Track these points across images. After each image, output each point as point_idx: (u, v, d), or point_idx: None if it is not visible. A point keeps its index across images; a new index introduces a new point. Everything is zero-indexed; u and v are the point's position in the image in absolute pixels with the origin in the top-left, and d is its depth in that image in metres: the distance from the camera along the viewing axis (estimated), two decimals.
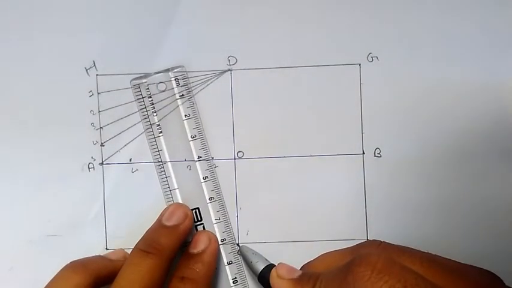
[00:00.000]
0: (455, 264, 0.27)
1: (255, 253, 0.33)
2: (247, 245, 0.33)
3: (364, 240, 0.33)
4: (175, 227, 0.31)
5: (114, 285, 0.30)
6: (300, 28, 0.33)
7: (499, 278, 0.26)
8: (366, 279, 0.24)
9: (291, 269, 0.30)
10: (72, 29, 0.33)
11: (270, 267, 0.32)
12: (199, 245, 0.32)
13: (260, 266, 0.32)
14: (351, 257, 0.26)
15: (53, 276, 0.30)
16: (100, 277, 0.30)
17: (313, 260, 0.32)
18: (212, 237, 0.33)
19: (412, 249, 0.28)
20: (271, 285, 0.30)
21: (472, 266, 0.27)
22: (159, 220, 0.32)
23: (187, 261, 0.32)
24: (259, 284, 0.32)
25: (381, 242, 0.30)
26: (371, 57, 0.33)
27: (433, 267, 0.26)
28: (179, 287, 0.31)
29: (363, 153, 0.33)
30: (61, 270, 0.30)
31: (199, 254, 0.32)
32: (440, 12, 0.33)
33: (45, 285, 0.30)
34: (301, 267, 0.32)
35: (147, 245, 0.31)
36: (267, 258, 0.32)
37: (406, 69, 0.33)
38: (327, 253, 0.32)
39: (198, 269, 0.31)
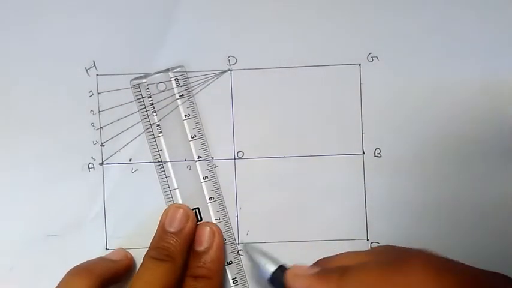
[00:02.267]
0: (463, 266, 0.27)
1: (263, 253, 0.31)
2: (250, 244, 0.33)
3: (377, 244, 0.33)
4: (180, 231, 0.31)
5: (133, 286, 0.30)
6: (300, 28, 0.33)
7: (509, 278, 0.26)
8: (423, 275, 0.24)
9: (308, 267, 0.29)
10: (72, 29, 0.33)
11: (282, 268, 0.30)
12: (204, 242, 0.32)
13: (270, 268, 0.30)
14: (368, 258, 0.26)
15: (58, 283, 0.30)
16: (105, 279, 0.30)
17: (330, 256, 0.30)
18: (216, 230, 0.32)
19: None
20: (290, 285, 0.28)
21: (481, 269, 0.26)
22: (162, 226, 0.32)
23: (197, 260, 0.31)
24: (259, 284, 0.32)
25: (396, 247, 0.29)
26: (371, 57, 0.33)
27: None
28: (195, 286, 0.31)
29: (363, 153, 0.33)
30: (65, 276, 0.30)
31: (207, 251, 0.32)
32: (440, 12, 0.33)
33: None
34: (316, 262, 0.30)
35: (159, 253, 0.31)
36: (274, 258, 0.31)
37: (406, 69, 0.33)
38: (342, 253, 0.31)
39: (209, 266, 0.31)
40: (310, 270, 0.28)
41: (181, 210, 0.32)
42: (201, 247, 0.32)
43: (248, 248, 0.33)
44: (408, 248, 0.28)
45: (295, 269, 0.29)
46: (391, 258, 0.26)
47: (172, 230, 0.31)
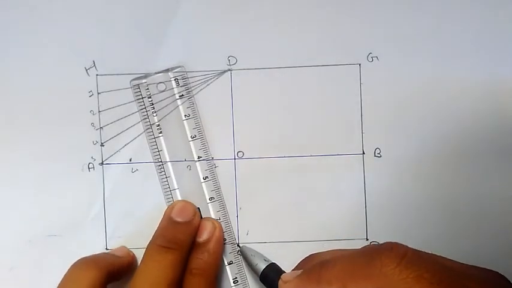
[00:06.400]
0: (460, 266, 0.27)
1: (254, 254, 0.33)
2: (248, 245, 0.33)
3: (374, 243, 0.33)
4: (188, 222, 0.31)
5: (137, 282, 0.30)
6: (300, 28, 0.33)
7: (505, 277, 0.26)
8: (394, 266, 0.24)
9: (294, 272, 0.30)
10: (72, 29, 0.33)
11: (270, 267, 0.32)
12: (204, 233, 0.32)
13: (260, 267, 0.32)
14: (362, 256, 0.26)
15: (64, 275, 0.30)
16: (110, 273, 0.31)
17: (321, 252, 0.32)
18: (217, 224, 0.33)
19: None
20: None
21: (476, 267, 0.27)
22: (169, 217, 0.32)
23: (195, 251, 0.32)
24: (260, 284, 0.32)
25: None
26: (371, 57, 0.33)
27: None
28: (190, 280, 0.31)
29: (363, 153, 0.33)
30: (71, 268, 0.30)
31: (205, 243, 0.32)
32: (440, 12, 0.33)
33: (58, 285, 0.30)
34: (308, 256, 0.31)
35: (166, 241, 0.31)
36: (266, 258, 0.32)
37: (406, 69, 0.33)
38: (336, 249, 0.32)
39: (205, 258, 0.31)
40: (296, 273, 0.29)
41: (189, 205, 0.32)
42: (200, 238, 0.32)
43: (243, 249, 0.33)
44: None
45: (285, 277, 0.30)
46: (367, 250, 0.27)
47: (180, 220, 0.31)
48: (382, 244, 0.26)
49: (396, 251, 0.25)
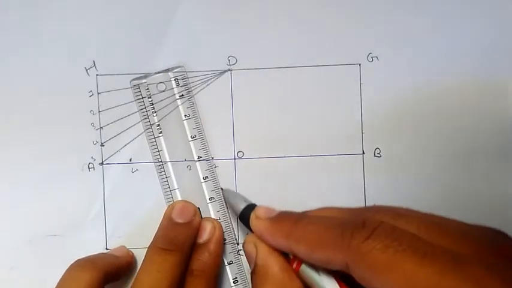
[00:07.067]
0: (457, 223, 0.26)
1: (235, 195, 0.32)
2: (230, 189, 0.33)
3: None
4: (189, 223, 0.32)
5: (138, 284, 0.30)
6: (300, 28, 0.33)
7: (503, 232, 0.25)
8: (363, 240, 0.23)
9: (269, 210, 0.29)
10: (72, 29, 0.33)
11: (250, 207, 0.31)
12: (204, 234, 0.32)
13: (240, 207, 0.31)
14: (340, 215, 0.26)
15: (61, 276, 0.30)
16: (108, 273, 0.30)
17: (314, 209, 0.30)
18: (217, 224, 0.33)
19: (412, 211, 0.26)
20: (251, 227, 0.29)
21: (474, 225, 0.26)
22: (169, 218, 0.32)
23: (195, 252, 0.32)
24: None
25: (384, 207, 0.28)
26: (371, 57, 0.33)
27: (432, 228, 0.25)
28: (190, 281, 0.31)
29: (363, 153, 0.33)
30: (68, 269, 0.30)
31: (205, 244, 0.32)
32: (440, 12, 0.33)
33: (55, 287, 0.30)
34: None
35: (167, 243, 0.31)
36: (246, 199, 0.32)
37: (406, 69, 0.33)
38: (329, 208, 0.30)
39: (205, 259, 0.31)
40: (270, 213, 0.29)
41: (189, 205, 0.32)
42: (200, 239, 0.32)
43: (224, 191, 0.33)
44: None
45: (258, 211, 0.29)
46: (344, 220, 0.25)
47: (180, 221, 0.31)
48: (361, 214, 0.25)
49: (368, 226, 0.24)
